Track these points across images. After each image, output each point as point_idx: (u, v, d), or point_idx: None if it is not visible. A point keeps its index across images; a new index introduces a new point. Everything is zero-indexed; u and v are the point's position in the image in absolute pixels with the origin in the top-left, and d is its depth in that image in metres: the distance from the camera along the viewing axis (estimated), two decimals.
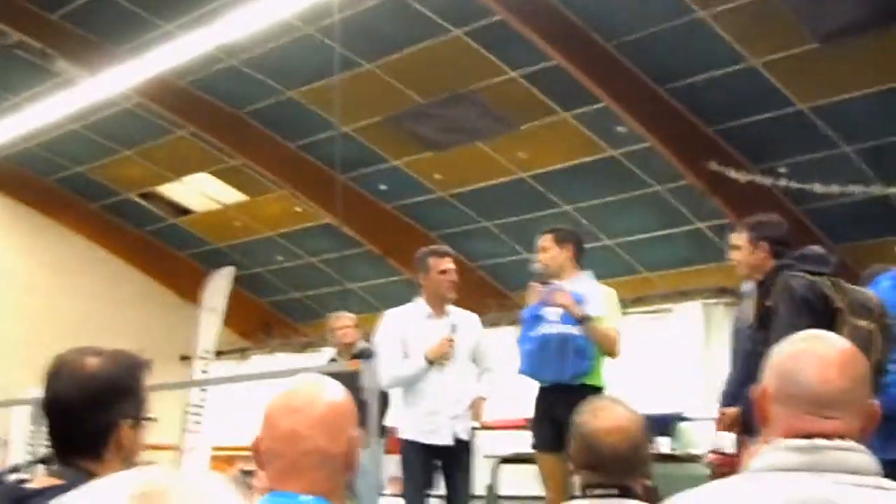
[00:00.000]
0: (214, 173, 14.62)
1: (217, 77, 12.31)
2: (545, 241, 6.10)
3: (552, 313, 5.89)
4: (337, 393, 2.27)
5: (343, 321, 8.02)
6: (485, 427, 6.56)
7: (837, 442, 1.95)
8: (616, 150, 11.36)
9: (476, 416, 6.33)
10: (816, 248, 5.09)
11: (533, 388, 6.17)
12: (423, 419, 6.12)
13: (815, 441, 1.95)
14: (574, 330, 5.83)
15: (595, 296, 5.96)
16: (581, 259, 6.13)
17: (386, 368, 6.14)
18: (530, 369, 5.99)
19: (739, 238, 5.22)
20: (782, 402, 2.03)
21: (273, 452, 2.22)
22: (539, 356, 5.91)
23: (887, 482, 1.96)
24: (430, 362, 6.12)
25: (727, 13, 9.31)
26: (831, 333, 2.14)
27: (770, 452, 1.99)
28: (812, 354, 2.04)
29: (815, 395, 2.00)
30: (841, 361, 2.03)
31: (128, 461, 2.44)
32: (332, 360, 7.72)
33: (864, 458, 1.96)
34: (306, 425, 2.20)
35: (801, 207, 10.78)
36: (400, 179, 13.18)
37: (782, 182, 10.36)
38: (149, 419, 2.48)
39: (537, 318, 5.96)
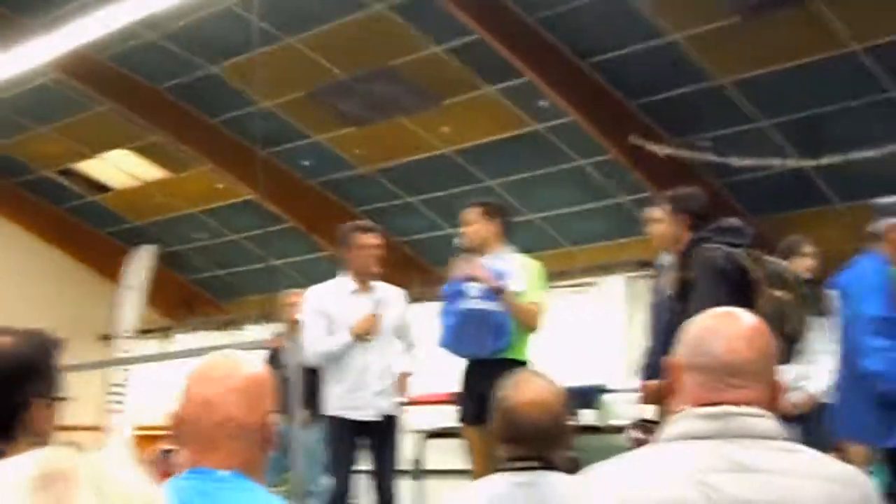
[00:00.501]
0: (134, 150, 14.39)
1: (136, 51, 12.10)
2: (471, 214, 6.11)
3: (473, 289, 5.91)
4: (254, 366, 2.27)
5: (295, 297, 7.88)
6: (410, 402, 6.56)
7: (745, 408, 2.01)
8: (539, 125, 11.39)
9: (401, 391, 6.34)
10: (734, 221, 5.16)
11: (457, 362, 6.19)
12: (349, 395, 6.12)
13: (724, 408, 2.01)
14: (494, 306, 5.86)
15: (517, 270, 5.98)
16: (507, 234, 6.15)
17: (310, 344, 6.12)
18: (450, 344, 6.02)
19: (658, 211, 5.27)
20: (692, 371, 2.08)
21: (189, 425, 2.20)
22: (459, 331, 5.93)
23: (792, 445, 2.02)
24: (356, 338, 6.10)
25: None
26: (743, 310, 2.19)
27: (680, 421, 2.04)
28: (722, 327, 2.10)
29: (723, 365, 2.05)
30: (749, 335, 2.10)
31: (40, 441, 2.40)
32: (281, 334, 7.65)
33: (770, 423, 2.02)
34: (221, 395, 2.19)
35: (720, 180, 10.91)
36: (322, 155, 13.10)
37: (702, 155, 10.48)
38: (62, 399, 2.44)
39: (459, 293, 5.97)
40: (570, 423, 3.42)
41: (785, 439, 2.03)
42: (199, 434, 2.18)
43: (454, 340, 5.98)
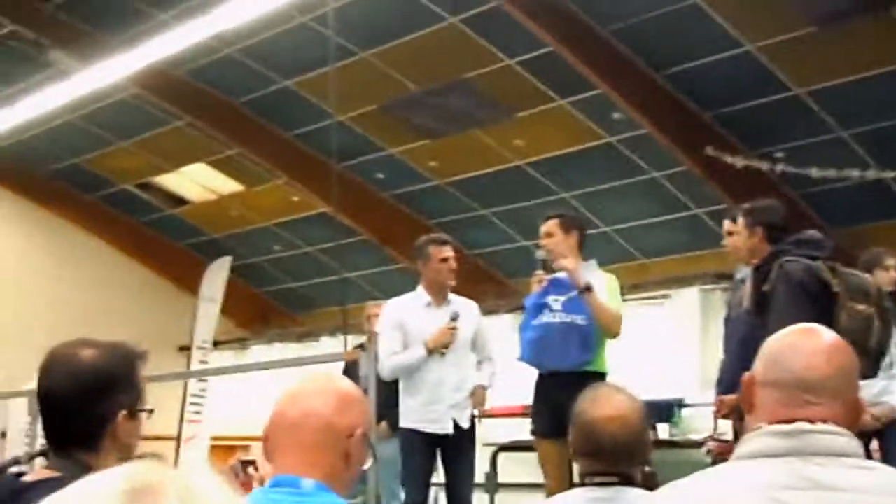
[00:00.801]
0: (211, 163, 14.59)
1: (213, 67, 12.28)
2: (550, 226, 6.07)
3: (557, 302, 5.89)
4: (348, 383, 2.31)
5: (379, 309, 7.86)
6: (483, 415, 6.54)
7: (820, 426, 1.98)
8: (613, 137, 11.33)
9: (477, 405, 6.33)
10: (813, 233, 5.10)
11: (531, 375, 6.17)
12: (424, 408, 6.12)
13: (799, 425, 1.98)
14: (578, 319, 5.83)
15: (598, 282, 5.96)
16: (583, 247, 6.13)
17: (386, 358, 6.13)
18: (532, 357, 5.98)
19: (735, 223, 5.22)
20: (768, 387, 2.06)
21: (280, 434, 2.23)
22: (541, 344, 5.90)
23: (869, 462, 1.99)
24: (430, 351, 6.11)
25: None
26: (823, 327, 2.16)
27: (754, 438, 2.02)
28: (802, 344, 2.08)
29: (800, 381, 2.02)
30: (829, 351, 2.06)
31: (125, 453, 2.44)
32: (360, 345, 7.67)
33: (846, 440, 1.99)
34: (315, 405, 2.22)
35: (797, 192, 10.77)
36: (396, 168, 13.16)
37: (779, 167, 10.35)
38: (145, 411, 2.48)
39: (541, 307, 5.95)
40: (650, 437, 3.39)
41: (861, 456, 1.99)
42: (288, 443, 2.21)
43: (537, 354, 5.95)
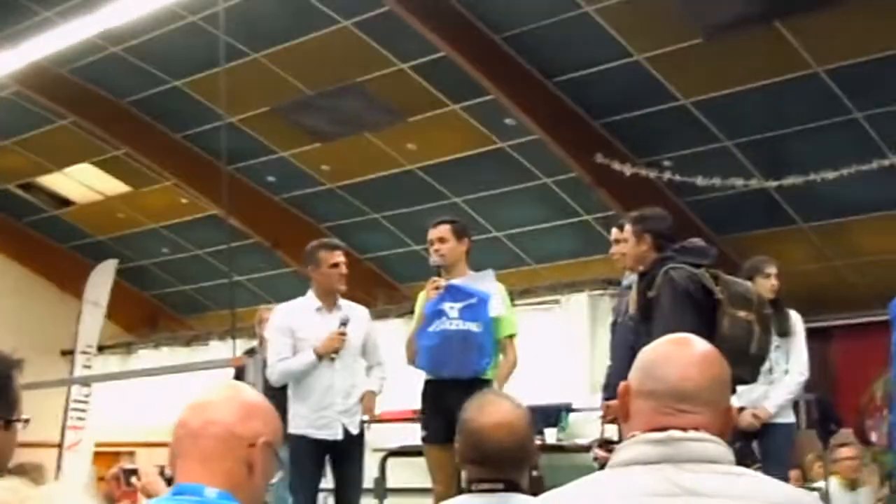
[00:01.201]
0: (97, 164, 14.29)
1: (99, 65, 12.02)
2: (443, 231, 6.06)
3: (451, 309, 5.89)
4: (255, 395, 2.28)
5: (266, 313, 7.73)
6: (373, 420, 6.52)
7: (691, 433, 2.02)
8: (505, 143, 11.41)
9: (367, 411, 6.31)
10: (697, 241, 5.19)
11: (421, 380, 6.16)
12: (313, 414, 6.08)
13: (671, 433, 2.02)
14: (473, 327, 5.85)
15: (495, 293, 6.00)
16: (469, 254, 6.17)
17: (275, 363, 6.08)
18: (430, 365, 5.97)
19: (622, 231, 5.28)
20: (643, 397, 2.09)
21: (183, 441, 2.17)
22: (439, 351, 5.90)
23: (739, 469, 2.04)
24: (320, 357, 6.07)
25: (612, 8, 9.41)
26: (697, 337, 2.20)
27: (629, 446, 2.05)
28: (676, 354, 2.11)
29: (675, 391, 2.06)
30: (702, 362, 2.11)
31: None
32: (251, 350, 7.56)
33: (717, 447, 2.04)
34: (218, 412, 2.18)
35: (684, 200, 10.97)
36: (288, 171, 13.05)
37: (666, 175, 10.53)
38: (21, 421, 2.40)
39: (437, 313, 5.94)
40: (535, 443, 3.42)
41: (731, 463, 2.04)
42: (190, 451, 2.15)
43: (435, 361, 5.94)
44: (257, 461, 2.16)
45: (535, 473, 7.74)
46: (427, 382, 6.06)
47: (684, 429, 2.03)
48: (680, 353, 2.12)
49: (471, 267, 6.17)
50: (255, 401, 2.25)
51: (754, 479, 2.04)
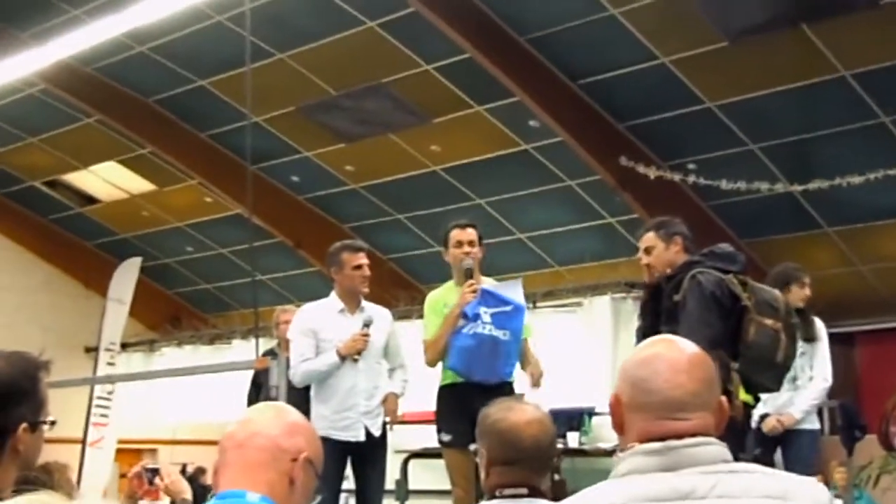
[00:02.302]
0: (122, 162, 14.37)
1: (126, 64, 12.09)
2: (473, 235, 6.06)
3: (485, 314, 5.90)
4: (299, 416, 2.33)
5: (289, 315, 7.74)
6: (396, 422, 6.51)
7: (688, 440, 2.02)
8: (529, 145, 11.41)
9: (390, 413, 6.30)
10: (726, 246, 5.15)
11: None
12: (336, 415, 6.07)
13: (668, 442, 2.02)
14: (501, 335, 5.87)
15: (520, 298, 6.02)
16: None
17: (298, 364, 6.08)
18: (462, 366, 5.94)
19: (650, 239, 5.25)
20: (636, 409, 2.08)
21: (227, 452, 2.22)
22: (473, 354, 5.89)
23: (739, 465, 2.03)
24: (343, 358, 6.07)
25: (639, 10, 9.40)
26: (677, 338, 2.19)
27: (628, 458, 2.05)
28: (661, 361, 2.09)
29: (667, 401, 2.05)
30: (689, 366, 2.09)
31: (25, 466, 2.37)
32: (271, 351, 7.58)
33: (715, 448, 2.04)
34: (264, 425, 2.24)
35: (708, 203, 10.94)
36: (312, 171, 13.09)
37: (691, 178, 10.50)
38: (47, 423, 2.41)
39: (474, 316, 5.94)
40: (558, 447, 3.43)
41: (728, 461, 2.03)
42: (234, 461, 2.19)
43: (467, 364, 5.92)
44: (299, 476, 2.20)
45: (557, 477, 7.74)
46: (447, 386, 6.04)
47: (681, 436, 2.03)
48: (665, 360, 2.10)
49: (487, 272, 6.22)
50: (299, 419, 2.32)
51: (751, 475, 2.04)
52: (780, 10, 9.03)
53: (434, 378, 6.21)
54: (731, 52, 9.50)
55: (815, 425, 6.83)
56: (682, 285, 4.89)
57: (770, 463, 6.34)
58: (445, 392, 6.07)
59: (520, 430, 3.11)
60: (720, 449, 2.04)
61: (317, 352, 6.10)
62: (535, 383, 5.95)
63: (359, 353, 6.09)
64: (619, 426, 2.14)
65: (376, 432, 6.17)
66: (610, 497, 2.02)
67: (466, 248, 6.01)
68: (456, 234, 6.08)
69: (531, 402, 3.36)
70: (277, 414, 2.30)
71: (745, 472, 2.05)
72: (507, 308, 5.92)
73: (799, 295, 6.36)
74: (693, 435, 2.03)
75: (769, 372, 4.83)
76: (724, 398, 2.14)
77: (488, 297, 5.95)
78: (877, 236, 10.77)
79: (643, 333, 5.55)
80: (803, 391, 6.53)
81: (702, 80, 9.93)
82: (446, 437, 5.98)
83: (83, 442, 13.82)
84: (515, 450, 3.10)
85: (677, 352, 2.12)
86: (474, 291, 5.92)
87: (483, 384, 5.76)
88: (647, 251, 5.26)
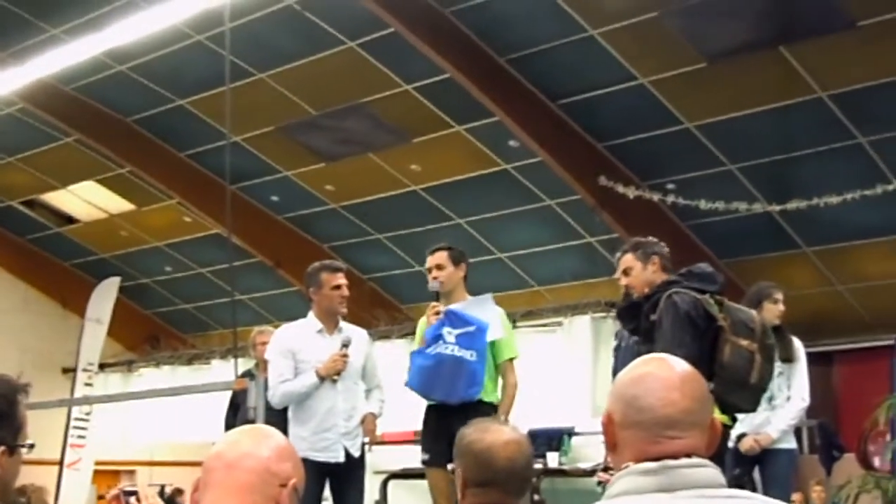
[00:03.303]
0: (101, 182, 14.31)
1: (105, 84, 12.06)
2: (440, 258, 6.09)
3: (449, 334, 5.91)
4: (286, 439, 2.31)
5: (266, 336, 7.73)
6: (374, 442, 6.50)
7: (685, 460, 2.02)
8: (508, 164, 11.43)
9: (369, 433, 6.29)
10: (704, 266, 5.17)
11: (422, 402, 6.16)
12: (315, 436, 6.05)
13: (664, 462, 2.01)
14: (468, 355, 5.86)
15: (494, 317, 6.01)
16: (467, 279, 6.19)
17: (277, 385, 6.06)
18: (420, 386, 5.99)
19: (628, 260, 5.28)
20: (629, 427, 2.08)
21: (215, 472, 2.18)
22: (430, 374, 5.91)
23: (737, 492, 2.03)
24: (322, 378, 6.06)
25: (618, 32, 9.45)
26: (669, 356, 2.19)
27: (623, 478, 2.04)
28: (653, 379, 2.09)
29: (660, 419, 2.05)
30: (681, 384, 2.09)
31: (3, 490, 2.35)
32: (248, 372, 7.56)
33: (710, 472, 2.03)
34: (255, 448, 2.21)
35: (687, 223, 10.98)
36: (292, 190, 13.07)
37: (669, 198, 10.54)
38: (25, 446, 2.40)
39: (436, 337, 5.96)
40: (537, 468, 3.42)
41: (722, 486, 2.03)
42: (222, 482, 2.16)
43: (425, 384, 5.96)
44: (285, 502, 2.17)
45: (536, 497, 7.73)
46: (429, 406, 6.06)
47: (676, 456, 2.02)
48: (657, 378, 2.09)
49: (470, 291, 6.20)
50: (287, 444, 2.30)
51: (746, 501, 2.04)
52: (757, 32, 9.10)
53: (413, 398, 6.21)
54: (709, 72, 9.56)
55: (793, 444, 6.85)
56: (659, 305, 4.91)
57: (749, 483, 6.35)
58: (428, 412, 6.09)
59: (495, 451, 3.10)
60: (716, 472, 2.03)
61: (295, 372, 6.09)
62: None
63: (338, 373, 6.08)
64: (611, 445, 2.12)
65: (356, 453, 6.16)
66: None
67: (435, 273, 6.06)
68: (427, 261, 6.14)
69: (505, 423, 3.35)
70: (266, 437, 2.27)
71: (746, 499, 2.05)
72: (471, 328, 5.94)
73: (773, 312, 6.38)
74: (688, 455, 2.03)
75: (744, 392, 4.84)
76: (717, 417, 2.14)
77: (454, 318, 5.97)
78: (854, 256, 10.83)
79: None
80: (781, 411, 6.55)
81: (680, 100, 9.98)
82: (425, 456, 6.00)
83: (60, 463, 13.72)
84: (491, 471, 3.09)
85: (669, 370, 2.12)
86: (437, 314, 5.97)
87: (459, 404, 5.77)
88: (626, 272, 5.29)
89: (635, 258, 5.25)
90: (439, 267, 6.06)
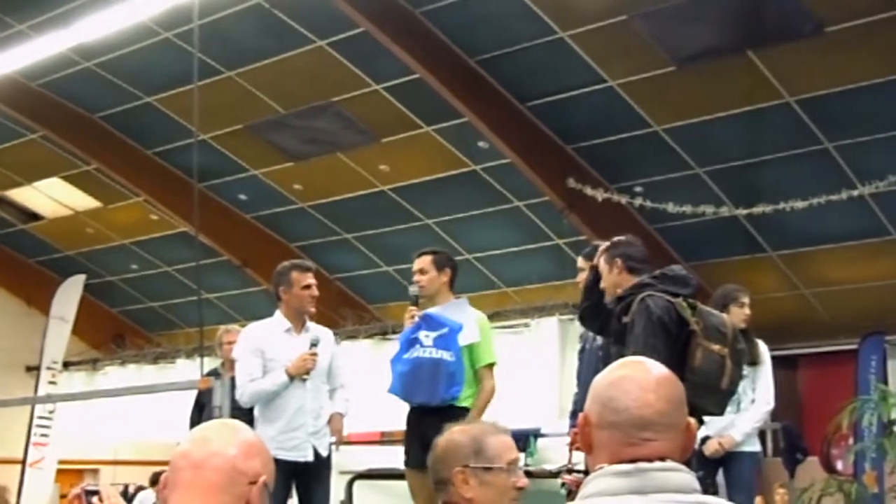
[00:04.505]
0: (67, 178, 14.20)
1: (71, 80, 11.96)
2: (423, 263, 6.14)
3: (426, 337, 5.92)
4: (255, 435, 2.27)
5: (233, 336, 7.68)
6: (342, 442, 6.49)
7: (658, 464, 2.03)
8: (477, 166, 11.43)
9: (336, 433, 6.28)
10: (678, 269, 5.18)
11: (389, 403, 6.17)
12: (283, 436, 6.03)
13: (638, 465, 2.02)
14: (446, 355, 5.87)
15: (469, 322, 6.02)
16: (454, 284, 6.21)
17: (245, 384, 6.04)
18: (401, 391, 6.01)
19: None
20: (605, 428, 2.09)
21: (182, 472, 2.15)
22: (410, 378, 5.93)
23: (709, 498, 2.03)
24: (292, 377, 6.04)
25: (588, 34, 9.47)
26: (647, 359, 2.20)
27: (596, 479, 2.05)
28: (630, 381, 2.11)
29: (636, 420, 2.06)
30: (657, 386, 2.10)
31: None
32: (214, 371, 7.51)
33: (684, 476, 2.04)
34: (222, 446, 2.17)
35: (654, 226, 11.01)
36: (260, 189, 13.02)
37: (637, 201, 10.57)
38: None
39: (412, 341, 5.98)
40: None
41: (696, 491, 2.04)
42: (189, 482, 2.13)
43: (406, 388, 5.97)
44: (255, 500, 2.15)
45: None
46: (411, 409, 6.08)
47: (650, 459, 2.03)
48: (634, 380, 2.11)
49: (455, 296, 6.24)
50: (255, 440, 2.25)
51: None
52: (727, 37, 9.14)
53: (378, 399, 6.22)
54: (678, 76, 9.60)
55: (756, 447, 6.89)
56: (632, 307, 4.90)
57: (713, 486, 6.37)
58: (407, 416, 6.12)
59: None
60: (690, 478, 2.05)
61: (263, 371, 6.07)
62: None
63: (307, 372, 6.07)
64: (587, 446, 2.13)
65: (324, 452, 6.16)
66: None
67: (417, 277, 6.10)
68: (413, 265, 6.19)
69: (483, 424, 3.36)
70: (234, 433, 2.22)
71: None
72: (444, 330, 5.97)
73: (739, 315, 6.40)
74: (662, 458, 2.04)
75: (713, 397, 4.85)
76: (692, 421, 2.15)
77: (430, 321, 6.01)
78: (819, 260, 10.90)
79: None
80: (745, 414, 6.58)
81: (649, 103, 10.02)
82: (404, 457, 6.03)
83: (23, 462, 13.60)
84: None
85: (646, 372, 2.13)
86: (412, 318, 6.00)
87: (435, 407, 5.78)
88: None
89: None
90: (422, 271, 6.11)
